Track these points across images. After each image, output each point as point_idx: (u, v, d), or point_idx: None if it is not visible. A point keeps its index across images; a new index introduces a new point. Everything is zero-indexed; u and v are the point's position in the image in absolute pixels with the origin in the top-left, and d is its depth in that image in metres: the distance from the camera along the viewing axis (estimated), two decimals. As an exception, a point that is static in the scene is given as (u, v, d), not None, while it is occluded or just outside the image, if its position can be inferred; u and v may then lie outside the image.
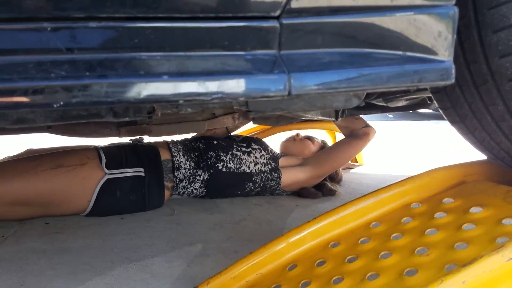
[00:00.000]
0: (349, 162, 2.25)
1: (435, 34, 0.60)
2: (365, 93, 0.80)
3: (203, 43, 0.50)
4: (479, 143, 0.89)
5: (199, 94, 0.50)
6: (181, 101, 0.49)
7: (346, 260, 0.79)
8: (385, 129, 3.59)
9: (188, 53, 0.49)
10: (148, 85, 0.48)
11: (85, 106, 0.45)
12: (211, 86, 0.50)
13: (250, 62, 0.52)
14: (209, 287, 0.83)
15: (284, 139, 1.89)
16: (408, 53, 0.59)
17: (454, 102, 0.85)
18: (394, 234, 0.82)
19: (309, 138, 1.86)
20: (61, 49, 0.44)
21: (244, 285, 0.84)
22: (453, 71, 0.61)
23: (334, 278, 0.74)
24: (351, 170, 2.18)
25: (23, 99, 0.42)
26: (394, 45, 0.58)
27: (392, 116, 5.85)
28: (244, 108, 0.75)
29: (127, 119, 0.70)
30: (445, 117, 0.93)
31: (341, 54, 0.54)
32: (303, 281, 0.77)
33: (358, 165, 2.27)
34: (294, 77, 0.52)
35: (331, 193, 1.62)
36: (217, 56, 0.51)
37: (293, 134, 1.89)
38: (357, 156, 2.28)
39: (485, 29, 0.70)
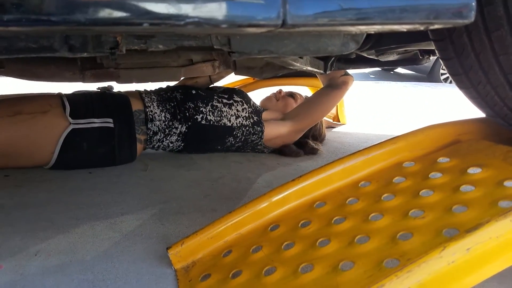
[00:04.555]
0: (331, 121, 2.19)
1: (457, -40, 0.50)
2: (364, 36, 0.71)
3: None
4: (481, 98, 0.82)
5: (169, 17, 0.39)
6: (145, 24, 0.38)
7: (332, 221, 0.74)
8: (366, 89, 3.54)
9: (155, -40, 0.38)
10: (103, 1, 0.37)
11: (17, 25, 0.33)
12: (185, 8, 0.39)
13: (236, -22, 0.41)
14: (184, 247, 0.77)
15: (265, 96, 1.79)
16: (425, -18, 0.49)
17: (459, 51, 0.77)
18: (385, 195, 0.76)
19: (291, 95, 1.77)
20: None
21: (222, 245, 0.79)
22: (474, 8, 0.52)
23: (320, 240, 0.69)
24: (333, 129, 2.13)
25: None
26: (410, -29, 0.48)
27: (373, 76, 5.86)
28: (226, 47, 0.64)
29: (85, 54, 0.59)
30: (445, 69, 0.85)
31: (349, -24, 0.44)
32: (286, 243, 0.72)
33: (340, 124, 2.21)
34: (290, 2, 0.42)
35: (313, 151, 1.57)
36: (194, -33, 0.39)
37: (275, 91, 1.78)
38: (339, 115, 2.22)
39: (506, -36, 0.61)
